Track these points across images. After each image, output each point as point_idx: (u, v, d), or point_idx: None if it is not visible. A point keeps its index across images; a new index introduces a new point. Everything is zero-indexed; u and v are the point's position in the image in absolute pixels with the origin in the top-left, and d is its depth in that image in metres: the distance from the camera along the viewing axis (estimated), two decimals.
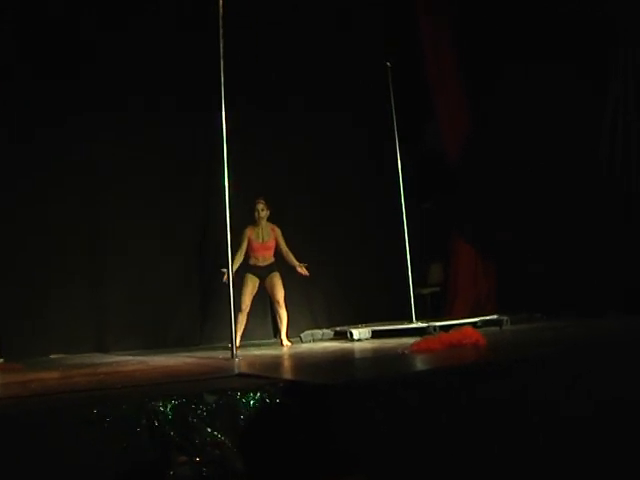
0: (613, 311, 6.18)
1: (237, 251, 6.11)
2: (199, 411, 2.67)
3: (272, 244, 6.33)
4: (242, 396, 2.75)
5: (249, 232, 6.28)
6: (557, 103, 7.27)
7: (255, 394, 2.76)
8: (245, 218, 6.36)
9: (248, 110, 7.08)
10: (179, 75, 7.13)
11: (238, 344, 5.16)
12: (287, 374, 3.29)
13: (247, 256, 6.29)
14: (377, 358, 4.39)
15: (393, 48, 7.56)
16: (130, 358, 5.56)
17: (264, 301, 7.59)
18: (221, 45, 5.20)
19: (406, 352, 4.03)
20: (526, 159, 7.54)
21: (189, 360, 4.96)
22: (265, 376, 3.16)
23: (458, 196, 8.29)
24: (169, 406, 2.64)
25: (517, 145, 7.66)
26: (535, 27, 7.45)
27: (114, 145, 6.90)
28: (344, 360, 4.43)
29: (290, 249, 6.49)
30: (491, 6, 7.88)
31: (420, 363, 3.67)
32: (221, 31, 5.25)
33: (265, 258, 6.31)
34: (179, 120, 7.14)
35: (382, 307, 7.65)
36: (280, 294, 6.22)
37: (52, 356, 6.19)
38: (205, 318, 7.21)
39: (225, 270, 5.38)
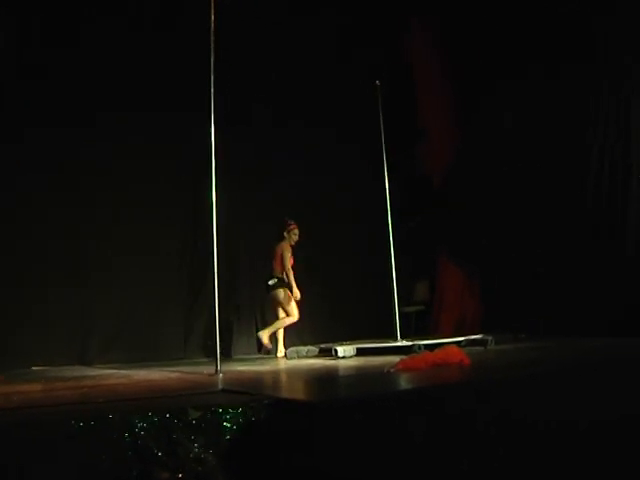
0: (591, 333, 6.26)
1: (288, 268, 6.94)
2: (183, 427, 2.65)
3: None
4: (226, 412, 2.73)
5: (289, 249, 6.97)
6: (545, 123, 7.36)
7: (239, 411, 2.75)
8: (231, 234, 6.38)
9: (237, 127, 7.16)
10: (167, 88, 7.16)
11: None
12: (271, 391, 3.28)
13: (284, 270, 6.96)
14: (361, 376, 4.37)
15: (384, 68, 7.60)
16: (114, 372, 5.53)
17: (249, 317, 7.62)
18: (212, 60, 5.21)
19: (391, 371, 4.02)
20: (513, 179, 7.62)
21: (173, 375, 4.93)
22: (249, 393, 3.14)
23: (445, 215, 8.35)
24: (152, 421, 2.62)
25: (504, 165, 7.74)
26: (524, 45, 7.53)
27: (101, 158, 6.91)
28: (329, 378, 4.42)
29: None
30: (481, 28, 7.98)
31: (405, 382, 3.67)
32: (212, 46, 5.26)
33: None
34: (167, 134, 7.16)
35: (367, 324, 7.66)
36: None
37: (34, 368, 6.14)
38: (190, 332, 7.20)
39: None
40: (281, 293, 6.91)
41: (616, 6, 6.84)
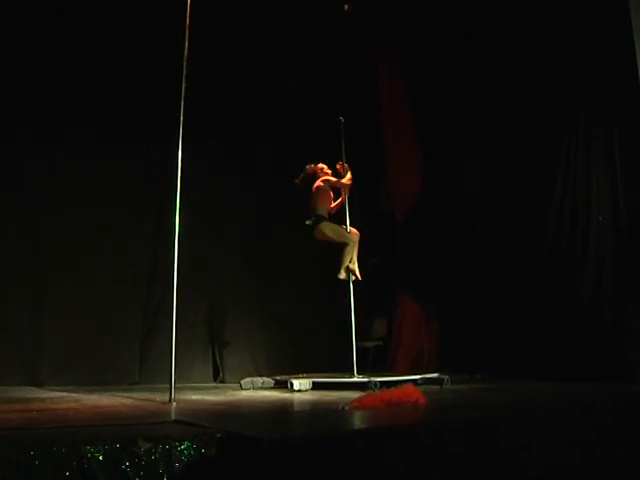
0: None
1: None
2: (132, 458, 2.61)
3: None
4: (178, 445, 2.70)
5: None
6: (507, 166, 7.48)
7: (191, 443, 2.72)
8: (191, 257, 6.35)
9: (204, 158, 7.17)
10: (134, 114, 7.16)
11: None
12: (225, 424, 3.24)
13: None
14: (316, 412, 4.36)
15: (349, 106, 7.66)
16: (65, 395, 5.44)
17: (205, 343, 7.56)
18: (183, 88, 5.23)
19: (346, 408, 4.01)
20: (473, 221, 7.73)
21: (125, 401, 4.87)
22: (202, 425, 3.11)
23: (405, 253, 8.43)
24: (102, 451, 2.58)
25: (465, 207, 7.85)
26: (491, 88, 7.69)
27: (61, 176, 6.87)
28: (283, 412, 4.40)
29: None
30: (446, 69, 8.14)
31: (358, 421, 3.67)
32: (184, 72, 5.28)
33: None
34: (132, 157, 7.16)
35: (324, 357, 7.64)
36: None
37: None
38: (145, 357, 7.11)
39: None
40: (325, 228, 6.67)
41: (576, 54, 7.01)
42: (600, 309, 6.50)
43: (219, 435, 2.79)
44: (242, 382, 6.41)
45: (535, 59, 7.30)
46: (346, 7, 8.33)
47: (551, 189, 7.10)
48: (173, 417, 3.69)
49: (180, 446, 2.70)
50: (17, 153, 6.63)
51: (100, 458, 2.56)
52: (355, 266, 6.69)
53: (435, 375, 6.43)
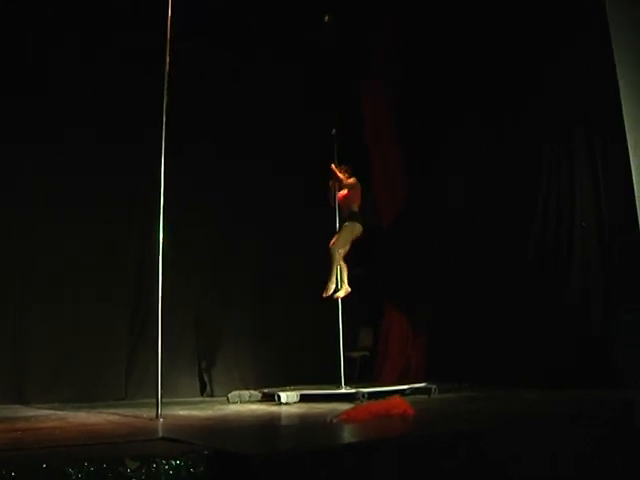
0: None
1: None
2: (119, 478, 2.59)
3: None
4: (165, 463, 2.68)
5: None
6: (491, 174, 7.52)
7: (179, 462, 2.70)
8: (177, 272, 6.32)
9: (191, 171, 7.14)
10: (118, 124, 7.11)
11: None
12: (213, 441, 3.22)
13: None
14: (304, 426, 4.34)
15: (339, 117, 7.68)
16: (50, 413, 5.38)
17: (192, 358, 7.52)
18: (165, 102, 5.22)
19: (334, 421, 4.00)
20: (460, 230, 7.74)
21: (112, 418, 4.83)
22: (190, 442, 3.09)
23: (391, 263, 8.43)
24: (88, 471, 2.55)
25: (452, 215, 7.87)
26: (474, 98, 7.73)
27: (46, 193, 6.81)
28: (271, 426, 4.38)
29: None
30: (429, 85, 8.18)
31: (347, 434, 3.66)
32: (165, 85, 5.27)
33: None
34: (118, 172, 7.13)
35: (311, 369, 7.60)
36: None
37: None
38: (130, 373, 7.06)
39: None
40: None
41: (560, 56, 7.06)
42: (588, 317, 6.53)
43: (207, 452, 2.78)
44: (229, 396, 6.38)
45: (518, 70, 7.36)
46: (326, 18, 8.37)
47: (535, 197, 7.14)
48: (160, 434, 3.66)
49: (167, 464, 2.68)
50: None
51: (86, 479, 2.53)
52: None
53: (423, 385, 6.42)
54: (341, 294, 6.74)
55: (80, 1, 7.02)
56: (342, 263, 6.81)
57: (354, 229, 6.80)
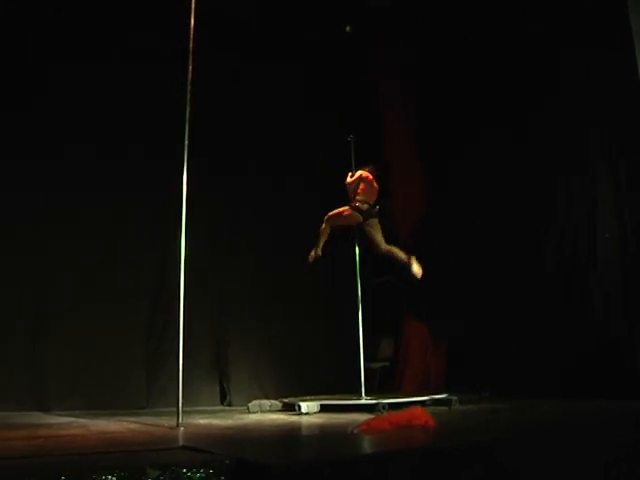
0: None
1: None
2: None
3: None
4: (186, 472, 2.68)
5: None
6: (511, 182, 7.48)
7: (200, 471, 2.70)
8: (198, 281, 6.33)
9: (208, 180, 7.14)
10: (140, 135, 7.18)
11: None
12: (234, 450, 3.22)
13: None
14: (325, 436, 4.33)
15: (356, 124, 7.68)
16: (72, 420, 5.42)
17: (212, 367, 7.53)
18: (187, 110, 5.25)
19: (355, 431, 3.99)
20: (479, 240, 7.70)
21: (133, 426, 4.85)
22: (210, 451, 3.09)
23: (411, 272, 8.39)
24: (110, 479, 2.56)
25: (471, 226, 7.83)
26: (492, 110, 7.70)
27: (66, 197, 6.87)
28: (292, 436, 4.38)
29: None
30: (448, 90, 8.16)
31: (367, 445, 3.64)
32: (188, 96, 5.31)
33: None
34: (138, 179, 7.19)
35: (332, 379, 7.60)
36: None
37: None
38: (152, 381, 7.08)
39: None
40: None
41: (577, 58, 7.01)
42: (610, 326, 6.46)
43: (228, 461, 2.77)
44: (250, 405, 6.38)
45: (534, 75, 7.32)
46: (348, 28, 8.40)
47: (555, 207, 7.09)
48: (181, 443, 3.67)
49: (188, 473, 2.68)
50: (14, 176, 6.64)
51: None
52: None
53: (443, 396, 6.38)
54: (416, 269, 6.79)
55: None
56: (391, 248, 6.84)
57: (377, 224, 6.81)
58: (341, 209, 6.79)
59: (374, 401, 5.84)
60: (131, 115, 7.16)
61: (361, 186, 6.81)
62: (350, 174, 6.97)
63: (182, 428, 4.52)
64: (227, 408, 7.12)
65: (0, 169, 6.54)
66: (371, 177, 6.84)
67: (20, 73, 6.76)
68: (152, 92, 7.17)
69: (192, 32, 5.41)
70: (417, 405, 4.72)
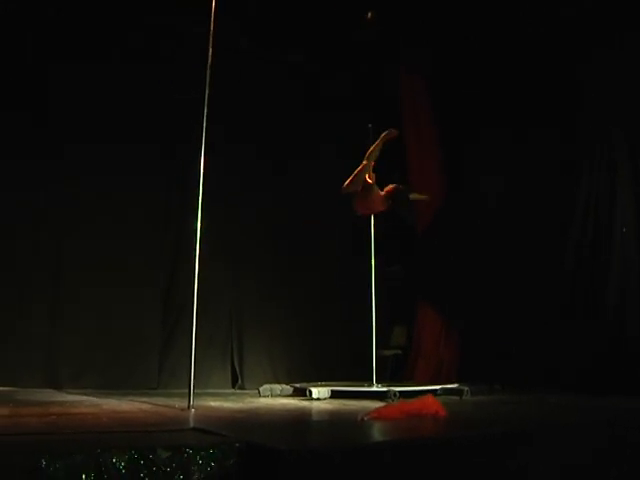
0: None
1: None
2: (151, 466, 2.59)
3: None
4: (196, 454, 2.68)
5: None
6: (529, 175, 7.42)
7: (210, 453, 2.70)
8: (212, 263, 6.35)
9: (225, 166, 7.13)
10: (156, 120, 7.19)
11: None
12: (244, 433, 3.22)
13: None
14: (335, 423, 4.33)
15: (375, 111, 7.64)
16: (84, 398, 5.45)
17: (225, 349, 7.55)
18: (206, 100, 5.23)
19: (365, 418, 3.98)
20: (496, 231, 7.65)
21: (144, 407, 4.87)
22: (220, 433, 3.09)
23: (426, 262, 8.36)
24: (120, 459, 2.56)
25: (488, 216, 7.78)
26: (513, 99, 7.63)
27: (82, 183, 6.92)
28: (302, 421, 4.38)
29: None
30: (469, 84, 8.08)
31: (378, 432, 3.63)
32: (207, 80, 5.28)
33: None
34: (153, 165, 7.25)
35: (343, 365, 7.62)
36: None
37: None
38: (164, 362, 7.12)
39: None
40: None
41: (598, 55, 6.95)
42: (624, 322, 6.42)
43: (238, 444, 2.77)
44: (261, 389, 6.40)
45: (555, 68, 7.27)
46: (369, 15, 8.31)
47: (574, 201, 7.04)
48: (192, 424, 3.68)
49: (198, 455, 2.68)
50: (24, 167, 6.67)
51: (118, 466, 2.54)
52: None
53: (455, 386, 6.37)
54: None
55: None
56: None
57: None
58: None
59: (385, 389, 5.84)
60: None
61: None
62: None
63: (193, 410, 4.53)
64: (238, 391, 7.14)
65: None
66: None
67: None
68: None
69: (213, 15, 5.36)
70: (428, 394, 4.70)
